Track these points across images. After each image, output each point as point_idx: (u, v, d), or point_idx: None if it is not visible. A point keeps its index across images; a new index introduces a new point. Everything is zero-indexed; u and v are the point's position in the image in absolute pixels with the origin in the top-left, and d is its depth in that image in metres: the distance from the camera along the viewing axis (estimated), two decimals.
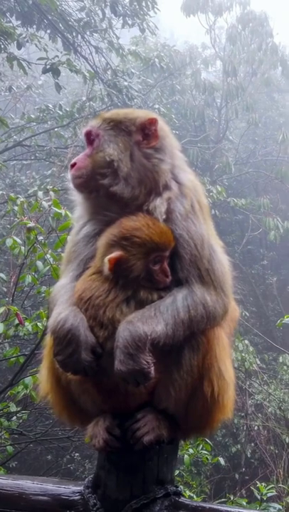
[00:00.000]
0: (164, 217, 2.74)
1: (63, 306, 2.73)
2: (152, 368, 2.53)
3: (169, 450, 2.78)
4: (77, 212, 3.04)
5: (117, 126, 2.85)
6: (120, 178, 2.77)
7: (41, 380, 2.94)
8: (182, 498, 2.75)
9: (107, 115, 2.93)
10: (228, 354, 2.82)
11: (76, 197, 2.97)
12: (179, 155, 2.99)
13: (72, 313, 2.65)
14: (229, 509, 2.75)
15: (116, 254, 2.65)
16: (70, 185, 2.89)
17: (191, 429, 2.90)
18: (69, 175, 2.88)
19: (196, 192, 2.88)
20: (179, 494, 2.75)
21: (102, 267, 2.69)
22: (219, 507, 2.74)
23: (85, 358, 2.57)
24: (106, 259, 2.66)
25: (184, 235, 2.74)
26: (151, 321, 2.56)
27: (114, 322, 2.60)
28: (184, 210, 2.79)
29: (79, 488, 2.81)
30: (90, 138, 2.88)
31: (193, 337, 2.67)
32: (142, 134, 2.84)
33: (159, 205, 2.76)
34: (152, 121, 2.86)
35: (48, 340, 2.82)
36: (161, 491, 2.70)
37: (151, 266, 2.70)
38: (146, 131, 2.85)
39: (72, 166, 2.86)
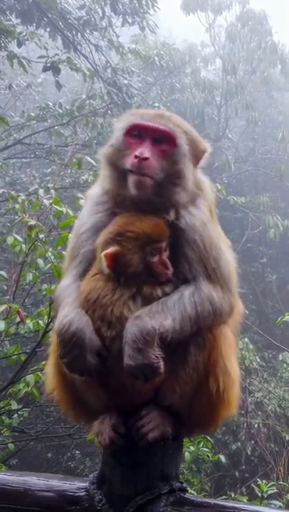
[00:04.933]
0: (188, 222, 2.80)
1: (69, 308, 2.74)
2: (161, 363, 2.54)
3: (174, 446, 2.79)
4: (93, 196, 3.01)
5: (191, 144, 2.86)
6: (183, 191, 2.80)
7: (47, 376, 2.95)
8: (187, 494, 2.76)
9: (183, 127, 2.90)
10: (233, 351, 2.84)
11: (105, 180, 2.91)
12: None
13: (78, 316, 2.67)
14: (234, 505, 2.75)
15: (112, 249, 2.67)
16: (131, 179, 2.76)
17: (195, 426, 2.92)
18: (135, 165, 2.74)
19: (211, 199, 2.97)
20: (184, 490, 2.75)
21: (102, 266, 2.71)
22: (224, 503, 2.76)
23: (90, 361, 2.59)
24: (102, 254, 2.68)
25: (198, 239, 2.78)
26: (159, 316, 2.58)
27: (122, 320, 2.62)
28: (203, 217, 2.85)
29: (84, 485, 2.81)
30: (162, 138, 2.82)
31: (199, 334, 2.69)
32: (196, 156, 2.91)
33: (185, 212, 2.82)
34: (207, 151, 2.97)
35: (54, 337, 2.83)
36: (166, 487, 2.70)
37: (149, 258, 2.71)
38: (200, 155, 2.93)
39: (143, 158, 2.74)
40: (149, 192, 2.75)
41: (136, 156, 2.73)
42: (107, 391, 2.71)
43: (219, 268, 2.79)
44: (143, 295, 2.68)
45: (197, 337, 2.69)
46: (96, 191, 3.01)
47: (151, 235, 2.72)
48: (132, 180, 2.75)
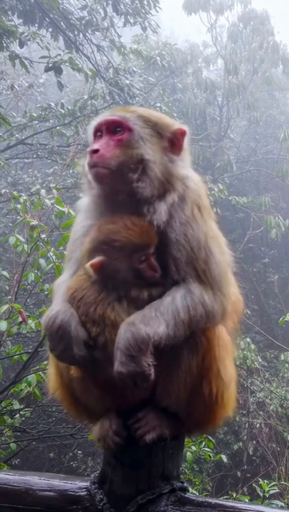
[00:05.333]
0: (163, 221, 2.73)
1: (57, 301, 2.78)
2: (152, 370, 2.53)
3: (174, 446, 2.79)
4: (82, 203, 3.03)
5: (154, 127, 2.82)
6: (147, 178, 2.74)
7: (49, 377, 2.97)
8: (188, 493, 2.76)
9: (140, 112, 2.88)
10: (229, 353, 2.81)
11: (86, 189, 2.91)
12: (190, 165, 3.00)
13: (63, 309, 2.69)
14: (235, 504, 2.75)
15: (97, 260, 2.65)
16: (89, 175, 2.78)
17: (193, 426, 2.91)
18: (88, 161, 2.77)
19: (197, 196, 2.86)
20: (185, 490, 2.75)
21: (89, 273, 2.70)
22: (225, 502, 2.74)
23: (78, 353, 2.60)
24: (87, 265, 2.67)
25: (181, 239, 2.72)
26: (153, 323, 2.55)
27: (105, 318, 2.62)
28: (184, 216, 2.77)
29: (85, 484, 2.82)
30: (116, 128, 2.81)
31: (192, 337, 2.67)
32: (170, 142, 2.85)
33: (161, 211, 2.74)
34: (184, 133, 2.88)
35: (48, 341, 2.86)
36: (167, 487, 2.70)
37: (137, 265, 2.69)
38: (175, 140, 2.85)
39: (94, 152, 2.76)
40: (110, 182, 2.74)
41: (88, 152, 2.76)
42: (103, 392, 2.72)
43: (210, 270, 2.73)
44: (129, 297, 2.67)
45: (190, 340, 2.67)
46: (84, 201, 3.02)
47: (138, 244, 2.68)
48: (90, 175, 2.77)
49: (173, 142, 2.86)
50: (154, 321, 2.57)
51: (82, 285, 2.72)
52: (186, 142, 2.92)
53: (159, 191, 2.77)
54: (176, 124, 2.91)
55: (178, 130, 2.86)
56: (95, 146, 2.75)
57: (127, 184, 2.74)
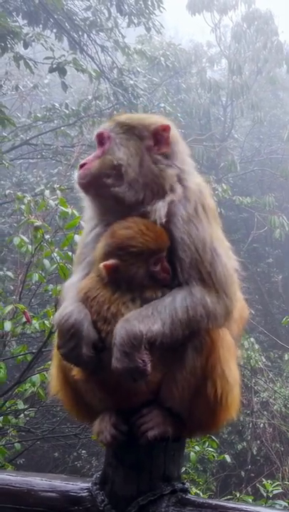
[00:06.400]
0: (163, 220, 2.74)
1: (69, 301, 2.78)
2: (148, 366, 2.56)
3: (176, 447, 2.81)
4: (86, 213, 3.07)
5: (130, 130, 2.87)
6: (124, 182, 2.79)
7: (51, 378, 2.99)
8: (189, 494, 2.77)
9: (120, 119, 2.95)
10: (233, 355, 2.82)
11: (84, 198, 2.99)
12: (187, 160, 2.99)
13: (77, 308, 2.70)
14: (235, 505, 2.75)
15: (110, 262, 2.69)
16: (76, 185, 2.92)
17: (196, 428, 2.91)
18: (76, 175, 2.91)
19: (201, 195, 2.86)
20: (186, 491, 2.76)
21: (102, 275, 2.73)
22: (225, 503, 2.75)
23: (86, 353, 2.62)
24: (101, 265, 2.69)
25: (185, 238, 2.74)
26: (148, 320, 2.59)
27: (118, 317, 2.64)
28: (186, 213, 2.78)
29: (87, 485, 2.83)
30: (102, 140, 2.90)
31: (196, 338, 2.68)
32: (154, 140, 2.86)
33: (160, 208, 2.76)
34: (166, 128, 2.88)
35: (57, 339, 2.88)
36: (168, 488, 2.71)
37: (152, 268, 2.72)
38: (159, 137, 2.86)
39: (81, 166, 2.89)
40: (91, 190, 2.89)
41: (78, 167, 2.93)
42: (105, 391, 2.73)
43: (215, 272, 2.74)
44: (143, 298, 2.70)
45: (195, 341, 2.68)
46: (89, 213, 3.06)
47: (153, 249, 2.71)
48: (77, 186, 2.94)
49: (158, 140, 2.87)
50: (149, 318, 2.60)
51: (96, 285, 2.74)
52: (174, 137, 2.93)
53: (146, 193, 2.81)
54: (158, 122, 2.92)
55: (159, 127, 2.88)
56: (83, 161, 2.91)
57: (105, 190, 2.83)
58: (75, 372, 2.74)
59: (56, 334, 2.77)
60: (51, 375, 3.01)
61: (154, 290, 2.72)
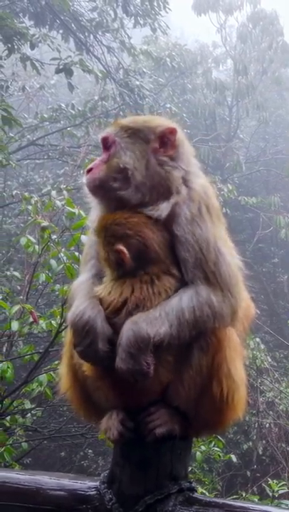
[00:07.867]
0: (163, 216, 2.78)
1: (82, 299, 2.80)
2: (152, 368, 2.59)
3: (182, 446, 2.82)
4: (93, 213, 3.09)
5: (135, 134, 2.89)
6: (131, 185, 2.82)
7: (61, 376, 3.01)
8: (196, 493, 2.78)
9: (124, 122, 2.96)
10: (239, 355, 2.83)
11: (91, 200, 3.02)
12: (193, 161, 3.01)
13: (91, 305, 2.73)
14: (242, 504, 2.76)
15: (119, 246, 2.75)
16: (85, 190, 2.95)
17: (202, 427, 2.93)
18: (84, 179, 2.93)
19: (205, 195, 2.88)
20: (193, 490, 2.77)
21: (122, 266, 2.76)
22: (232, 502, 2.77)
23: (102, 348, 2.64)
24: (119, 248, 2.73)
25: (189, 238, 2.76)
26: (155, 322, 2.61)
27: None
28: (190, 214, 2.80)
29: (95, 484, 2.85)
30: (107, 144, 2.92)
31: (203, 337, 2.70)
32: (160, 142, 2.88)
33: (163, 208, 2.79)
34: (172, 131, 2.89)
35: (67, 337, 2.91)
36: (175, 487, 2.72)
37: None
38: (165, 139, 2.88)
39: (89, 171, 2.91)
40: (99, 193, 2.93)
41: (86, 172, 2.96)
42: (116, 390, 2.75)
43: (219, 271, 2.75)
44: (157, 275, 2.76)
45: (200, 340, 2.70)
46: (95, 213, 3.07)
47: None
48: (85, 190, 2.98)
49: (164, 142, 2.89)
50: (157, 321, 2.62)
51: (108, 284, 2.79)
52: (179, 139, 2.94)
53: (152, 195, 2.84)
54: (165, 124, 2.93)
55: (165, 130, 2.89)
56: (90, 166, 2.93)
57: (112, 193, 2.86)
58: (86, 368, 2.76)
59: (71, 333, 2.78)
60: (60, 374, 3.03)
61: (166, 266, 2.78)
